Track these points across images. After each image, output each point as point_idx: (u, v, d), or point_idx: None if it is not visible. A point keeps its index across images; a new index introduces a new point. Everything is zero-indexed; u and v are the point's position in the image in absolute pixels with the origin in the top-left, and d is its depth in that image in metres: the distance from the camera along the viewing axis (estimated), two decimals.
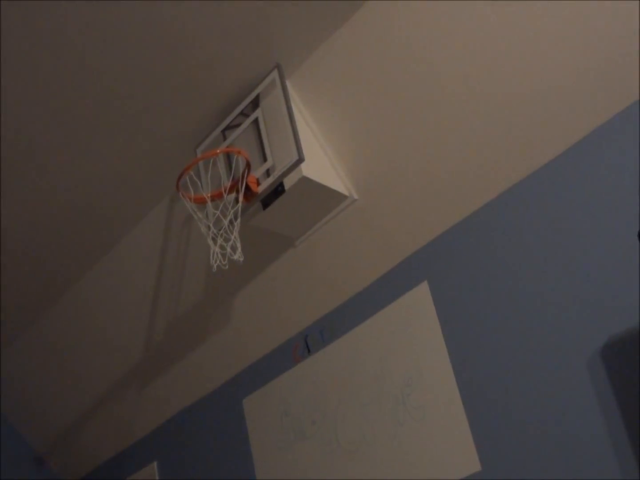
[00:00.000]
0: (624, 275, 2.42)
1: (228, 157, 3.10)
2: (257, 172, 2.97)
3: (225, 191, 2.97)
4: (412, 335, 2.95)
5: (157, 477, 3.85)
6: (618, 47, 2.43)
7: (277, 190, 2.94)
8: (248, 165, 2.90)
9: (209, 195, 3.01)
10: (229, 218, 2.96)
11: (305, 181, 2.89)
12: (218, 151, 2.91)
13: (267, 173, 2.94)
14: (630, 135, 2.47)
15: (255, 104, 3.03)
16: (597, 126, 2.55)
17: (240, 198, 2.93)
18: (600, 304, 2.45)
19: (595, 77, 2.49)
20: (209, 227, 3.04)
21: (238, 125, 3.08)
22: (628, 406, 2.35)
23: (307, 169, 2.87)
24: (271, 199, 2.98)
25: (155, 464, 3.92)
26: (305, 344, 3.35)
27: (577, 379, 2.47)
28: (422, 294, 2.94)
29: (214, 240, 3.04)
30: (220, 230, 3.01)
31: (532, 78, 2.58)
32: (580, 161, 2.57)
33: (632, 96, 2.48)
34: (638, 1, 2.37)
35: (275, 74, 2.92)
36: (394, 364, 2.98)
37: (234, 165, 3.02)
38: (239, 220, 2.96)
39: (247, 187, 2.94)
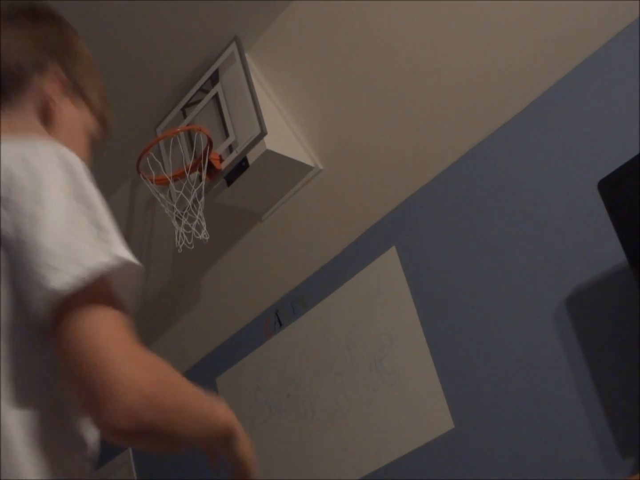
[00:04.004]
0: (585, 225, 2.46)
1: (189, 135, 3.05)
2: (220, 148, 2.93)
3: (187, 170, 2.93)
4: (382, 301, 2.96)
5: (132, 462, 3.82)
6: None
7: (241, 166, 2.90)
8: (210, 142, 2.86)
9: (170, 175, 2.96)
10: (192, 197, 2.92)
11: (269, 154, 2.85)
12: (178, 129, 2.87)
13: (230, 149, 2.91)
14: (589, 87, 2.51)
15: (214, 79, 2.99)
16: (557, 80, 2.58)
17: (203, 176, 2.89)
18: (564, 256, 2.49)
19: (543, 40, 2.54)
20: (172, 208, 3.00)
21: (198, 102, 3.04)
22: (594, 356, 2.40)
23: (271, 142, 2.84)
24: (235, 174, 2.93)
25: (130, 449, 3.88)
26: (277, 318, 3.35)
27: (544, 331, 2.51)
28: (390, 259, 2.95)
29: (178, 220, 3.00)
30: (184, 210, 2.97)
31: (489, 43, 2.61)
32: (538, 116, 2.61)
33: (584, 54, 2.53)
34: None
35: (233, 47, 2.88)
36: (366, 331, 3.00)
37: (195, 143, 2.98)
38: (203, 198, 2.92)
39: (210, 165, 2.90)
